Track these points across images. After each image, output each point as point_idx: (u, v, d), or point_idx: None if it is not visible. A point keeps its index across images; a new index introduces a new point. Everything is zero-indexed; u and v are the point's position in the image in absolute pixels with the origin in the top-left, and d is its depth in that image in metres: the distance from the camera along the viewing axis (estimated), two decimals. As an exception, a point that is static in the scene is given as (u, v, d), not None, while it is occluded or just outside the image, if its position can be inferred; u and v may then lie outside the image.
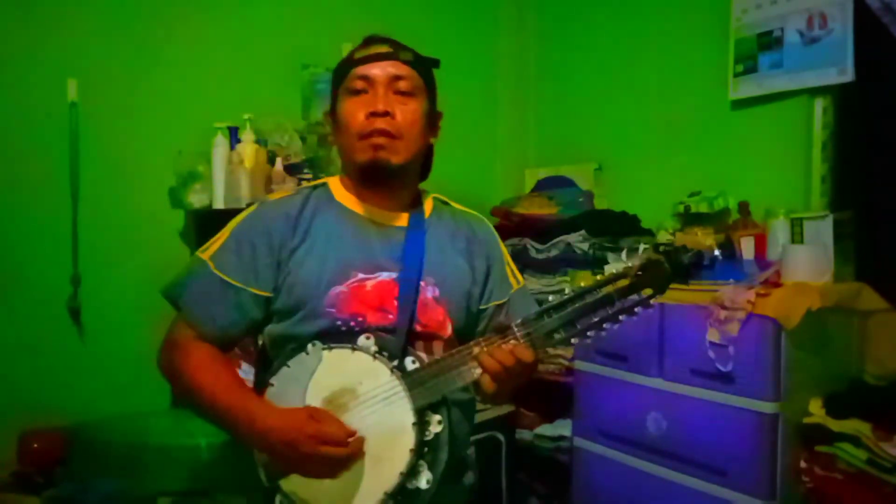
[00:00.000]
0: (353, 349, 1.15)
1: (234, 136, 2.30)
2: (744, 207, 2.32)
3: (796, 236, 2.09)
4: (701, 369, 1.96)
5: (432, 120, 1.30)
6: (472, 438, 1.38)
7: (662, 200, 2.56)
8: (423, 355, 1.19)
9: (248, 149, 2.26)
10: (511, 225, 2.77)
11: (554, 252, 2.62)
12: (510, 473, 2.54)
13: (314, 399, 1.14)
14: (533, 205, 2.86)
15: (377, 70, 1.23)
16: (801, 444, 1.89)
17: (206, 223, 2.32)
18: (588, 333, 1.12)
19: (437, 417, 1.14)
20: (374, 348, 1.15)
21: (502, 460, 2.51)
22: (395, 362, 1.15)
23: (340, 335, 1.17)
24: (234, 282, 1.20)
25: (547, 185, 3.07)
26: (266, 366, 1.23)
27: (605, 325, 1.12)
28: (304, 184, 2.17)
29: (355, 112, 1.22)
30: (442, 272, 1.26)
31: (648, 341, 2.08)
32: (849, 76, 2.16)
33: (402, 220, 1.29)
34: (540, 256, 2.66)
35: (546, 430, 2.58)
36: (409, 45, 1.31)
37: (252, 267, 1.21)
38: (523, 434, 2.63)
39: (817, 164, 2.25)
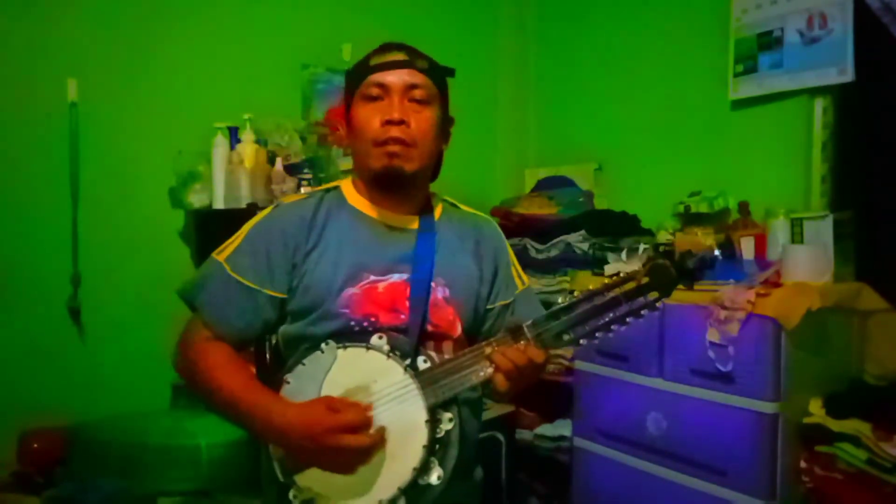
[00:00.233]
0: (368, 348, 1.18)
1: (234, 136, 2.30)
2: (744, 207, 2.32)
3: (796, 236, 2.09)
4: (701, 369, 1.96)
5: (445, 127, 1.32)
6: (473, 438, 1.40)
7: (662, 200, 2.56)
8: (433, 354, 1.22)
9: (248, 149, 2.26)
10: (511, 225, 2.77)
11: (554, 252, 2.62)
12: (510, 473, 2.54)
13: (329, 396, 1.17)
14: (533, 205, 2.87)
15: (393, 77, 1.24)
16: (801, 444, 1.89)
17: (206, 223, 2.32)
18: (596, 335, 1.16)
19: (449, 415, 1.17)
20: (386, 347, 1.18)
21: (502, 460, 2.51)
22: (408, 361, 1.17)
23: (354, 335, 1.20)
24: (249, 283, 1.22)
25: (547, 185, 3.07)
26: (279, 365, 1.25)
27: (612, 327, 1.15)
28: (304, 185, 2.19)
29: (370, 119, 1.23)
30: (452, 273, 1.29)
31: (648, 341, 2.08)
32: (849, 76, 2.16)
33: (413, 223, 1.31)
34: (540, 256, 2.66)
35: (546, 430, 2.58)
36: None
37: (267, 269, 1.23)
38: (523, 434, 2.63)
39: (817, 164, 2.25)
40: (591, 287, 1.18)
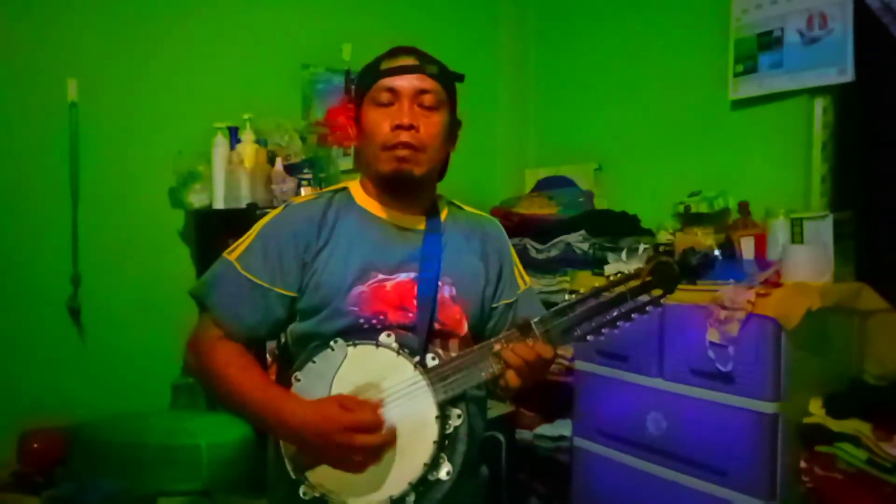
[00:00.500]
0: (378, 345, 1.19)
1: (234, 136, 2.30)
2: (744, 207, 2.32)
3: (796, 236, 2.09)
4: (701, 369, 1.96)
5: (453, 131, 1.34)
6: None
7: (662, 200, 2.56)
8: (441, 352, 1.24)
9: (248, 149, 2.26)
10: (511, 225, 2.77)
11: (554, 252, 2.62)
12: (510, 473, 2.54)
13: (339, 393, 1.18)
14: (533, 205, 2.87)
15: (403, 83, 1.25)
16: (801, 444, 1.89)
17: (206, 223, 2.32)
18: (603, 331, 1.18)
19: (457, 412, 1.19)
20: (396, 345, 1.19)
21: (502, 460, 2.51)
22: (417, 358, 1.19)
23: (363, 333, 1.21)
24: (260, 282, 1.24)
25: (547, 185, 3.07)
26: (288, 363, 1.26)
27: (618, 323, 1.18)
28: (304, 184, 2.19)
29: (381, 123, 1.25)
30: (458, 272, 1.31)
31: (648, 341, 2.08)
32: (849, 76, 2.16)
33: (420, 223, 1.33)
34: (540, 256, 2.66)
35: (546, 430, 2.58)
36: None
37: (278, 267, 1.24)
38: (523, 434, 2.63)
39: (817, 164, 2.25)
40: (596, 285, 1.20)
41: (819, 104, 2.25)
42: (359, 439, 1.11)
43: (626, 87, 2.87)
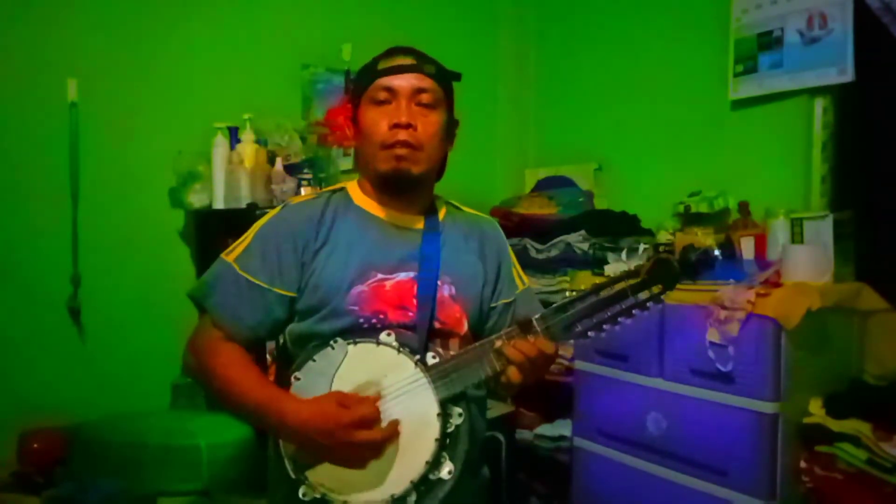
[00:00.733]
0: (378, 343, 1.19)
1: (234, 136, 2.30)
2: (744, 207, 2.32)
3: (796, 236, 2.09)
4: (701, 369, 1.96)
5: (450, 130, 1.34)
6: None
7: (662, 200, 2.56)
8: (441, 351, 1.23)
9: (248, 149, 2.26)
10: (511, 225, 2.77)
11: (554, 252, 2.62)
12: (510, 473, 2.54)
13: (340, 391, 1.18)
14: (533, 205, 2.87)
15: (401, 82, 1.25)
16: (801, 444, 1.89)
17: (206, 223, 2.32)
18: (604, 327, 1.18)
19: (458, 410, 1.19)
20: (396, 343, 1.19)
21: (502, 460, 2.51)
22: (418, 356, 1.19)
23: (363, 332, 1.21)
24: (259, 282, 1.24)
25: (547, 185, 3.07)
26: (287, 363, 1.26)
27: (619, 320, 1.18)
28: (304, 184, 2.19)
29: (378, 122, 1.25)
30: (457, 271, 1.31)
31: (648, 341, 2.08)
32: (849, 76, 2.16)
33: (419, 223, 1.33)
34: (540, 256, 2.66)
35: (546, 430, 2.58)
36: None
37: (277, 268, 1.24)
38: (523, 434, 2.63)
39: (817, 164, 2.25)
40: (596, 281, 1.20)
41: (819, 104, 2.25)
42: (359, 435, 1.11)
43: (626, 87, 2.87)
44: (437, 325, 1.25)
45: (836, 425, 1.83)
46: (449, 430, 1.17)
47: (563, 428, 2.49)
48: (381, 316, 1.23)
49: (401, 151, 1.24)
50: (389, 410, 1.15)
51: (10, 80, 2.08)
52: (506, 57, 3.25)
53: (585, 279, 2.34)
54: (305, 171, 2.25)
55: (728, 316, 1.88)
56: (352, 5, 2.74)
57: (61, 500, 1.80)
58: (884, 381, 1.97)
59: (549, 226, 2.69)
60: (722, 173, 2.49)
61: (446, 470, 1.16)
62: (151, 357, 2.23)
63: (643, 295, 1.17)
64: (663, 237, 2.44)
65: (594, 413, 2.28)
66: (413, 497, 1.14)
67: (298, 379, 1.19)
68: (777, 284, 1.94)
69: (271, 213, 1.31)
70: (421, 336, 1.22)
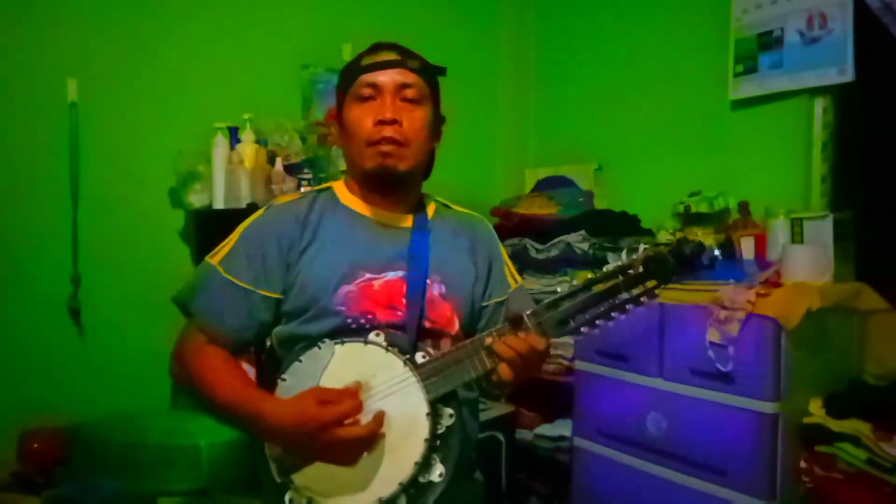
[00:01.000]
0: (366, 343, 1.17)
1: (234, 136, 2.30)
2: (744, 207, 2.32)
3: (796, 236, 2.09)
4: (701, 369, 1.96)
5: (437, 126, 1.32)
6: (473, 438, 1.39)
7: (662, 200, 2.56)
8: (431, 351, 1.21)
9: (248, 149, 2.26)
10: (511, 225, 2.77)
11: (554, 252, 2.62)
12: (510, 473, 2.54)
13: None
14: (533, 205, 2.87)
15: (385, 77, 1.24)
16: (801, 444, 1.89)
17: (206, 223, 2.32)
18: (597, 322, 1.15)
19: (449, 411, 1.16)
20: (384, 342, 1.17)
21: (502, 460, 2.51)
22: (407, 356, 1.17)
23: (351, 333, 1.19)
24: (244, 284, 1.22)
25: (547, 185, 3.07)
26: (274, 366, 1.24)
27: (612, 315, 1.15)
28: (304, 185, 2.19)
29: (363, 119, 1.24)
30: (447, 270, 1.29)
31: (648, 341, 2.08)
32: (849, 76, 2.16)
33: (407, 221, 1.32)
34: (540, 256, 2.66)
35: (546, 430, 2.58)
36: (408, 45, 1.32)
37: (262, 269, 1.23)
38: (523, 434, 2.63)
39: (817, 164, 2.25)
40: (589, 276, 1.18)
41: (819, 104, 2.25)
42: (342, 432, 1.08)
43: (626, 87, 2.87)
44: (427, 324, 1.23)
45: (836, 425, 1.83)
46: (439, 431, 1.14)
47: (563, 428, 2.49)
48: (370, 316, 1.21)
49: (386, 148, 1.22)
50: (377, 408, 1.12)
51: (10, 80, 2.08)
52: (506, 57, 3.25)
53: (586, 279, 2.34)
54: (305, 171, 2.25)
55: (728, 316, 1.88)
56: (352, 5, 2.74)
57: (61, 500, 1.80)
58: (884, 381, 1.97)
59: (549, 226, 2.69)
60: (722, 173, 2.49)
61: (437, 473, 1.13)
62: (151, 357, 2.21)
63: (637, 290, 1.14)
64: (663, 237, 2.45)
65: (594, 413, 2.28)
66: (402, 500, 1.11)
67: (284, 380, 1.17)
68: (777, 284, 1.94)
69: (256, 214, 1.30)
70: (411, 336, 1.20)
